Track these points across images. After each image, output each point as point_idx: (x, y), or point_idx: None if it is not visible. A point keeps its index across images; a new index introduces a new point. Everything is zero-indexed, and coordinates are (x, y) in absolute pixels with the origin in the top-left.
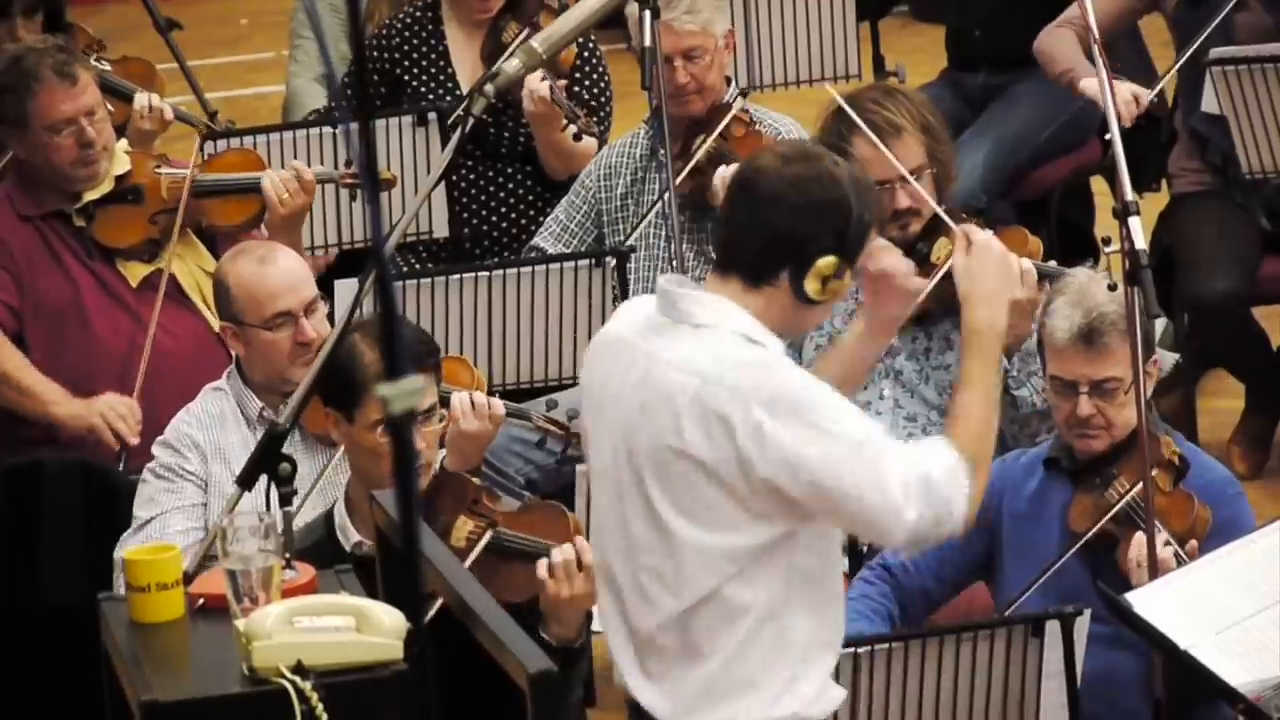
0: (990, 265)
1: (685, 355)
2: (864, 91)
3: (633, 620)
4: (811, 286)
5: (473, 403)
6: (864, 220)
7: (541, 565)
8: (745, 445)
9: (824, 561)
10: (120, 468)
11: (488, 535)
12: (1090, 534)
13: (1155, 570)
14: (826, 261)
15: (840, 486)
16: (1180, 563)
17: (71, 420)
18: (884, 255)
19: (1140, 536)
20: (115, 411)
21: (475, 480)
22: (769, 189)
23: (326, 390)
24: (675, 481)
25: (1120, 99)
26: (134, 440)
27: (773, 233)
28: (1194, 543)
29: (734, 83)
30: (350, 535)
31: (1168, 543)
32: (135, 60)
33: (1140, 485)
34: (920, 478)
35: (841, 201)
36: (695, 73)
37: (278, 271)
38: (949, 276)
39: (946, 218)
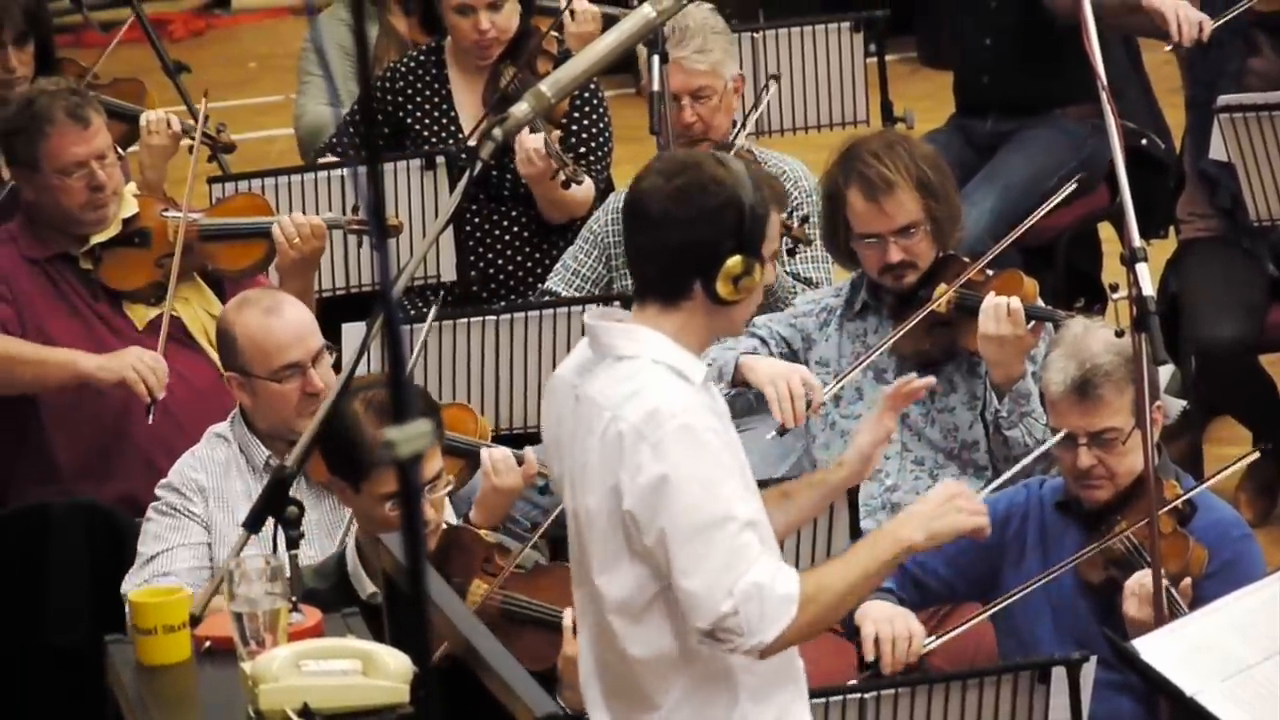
0: (939, 497)
1: (602, 387)
2: (868, 140)
3: (596, 657)
4: (724, 289)
5: (503, 461)
6: (758, 211)
7: (568, 622)
8: (624, 477)
9: None
10: (150, 420)
11: (500, 603)
12: (1087, 575)
13: (1161, 610)
14: (732, 263)
15: (684, 546)
16: (1171, 600)
17: (101, 372)
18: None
19: (1139, 574)
20: (145, 364)
21: (485, 535)
22: (658, 209)
23: (331, 459)
24: (603, 521)
25: (1186, 18)
26: (161, 394)
27: (672, 249)
28: (1187, 580)
29: (738, 124)
30: (365, 585)
31: (1166, 586)
32: (127, 81)
33: (1136, 526)
34: (758, 585)
35: (731, 200)
36: (702, 113)
37: (285, 323)
38: (948, 321)
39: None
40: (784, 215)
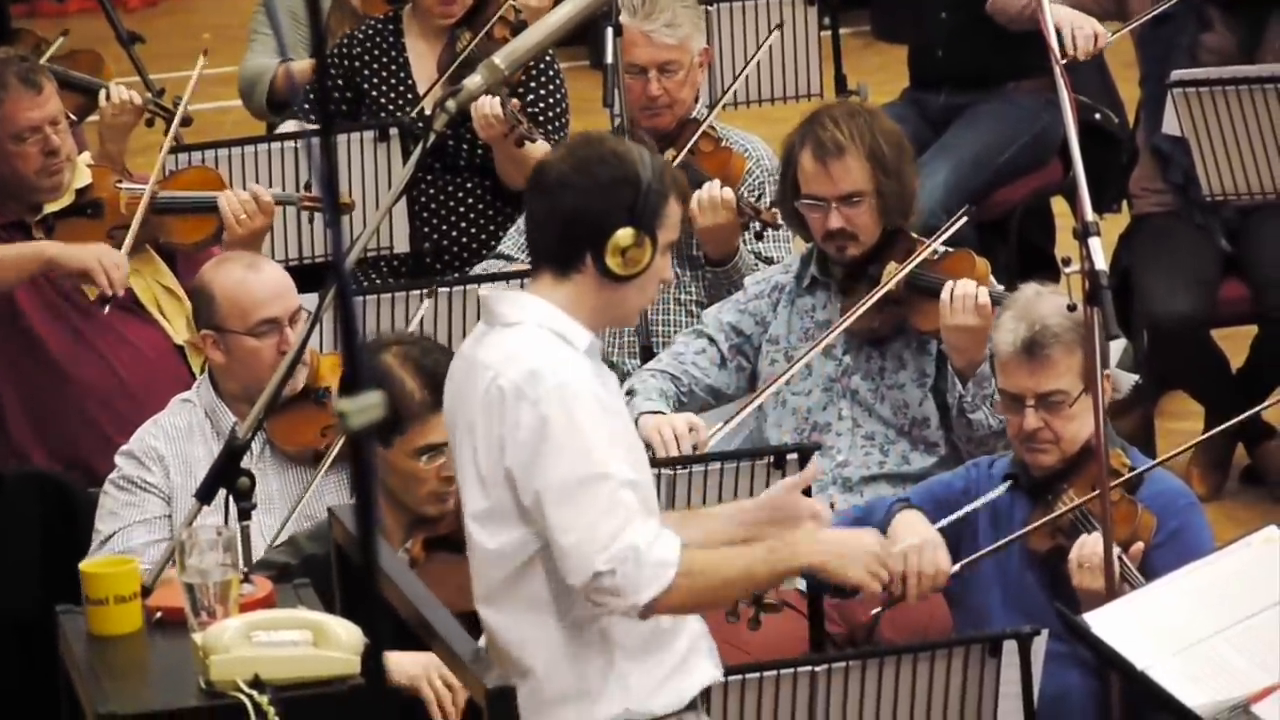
0: (858, 544)
1: (491, 352)
2: (833, 107)
3: (485, 620)
4: (613, 262)
5: None
6: (655, 189)
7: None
8: (504, 432)
9: None
10: (104, 311)
11: None
12: (1035, 546)
13: (1112, 576)
14: (622, 234)
15: (559, 502)
16: (1122, 565)
17: (66, 257)
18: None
19: (1083, 539)
20: (110, 259)
21: None
22: (556, 178)
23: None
24: (490, 478)
25: (1081, 32)
26: (120, 291)
27: (565, 218)
28: (1139, 544)
29: (701, 100)
30: None
31: (1118, 554)
32: (84, 52)
33: (1088, 498)
34: (634, 547)
35: (628, 176)
36: (669, 86)
37: (264, 280)
38: (898, 300)
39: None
40: (683, 210)
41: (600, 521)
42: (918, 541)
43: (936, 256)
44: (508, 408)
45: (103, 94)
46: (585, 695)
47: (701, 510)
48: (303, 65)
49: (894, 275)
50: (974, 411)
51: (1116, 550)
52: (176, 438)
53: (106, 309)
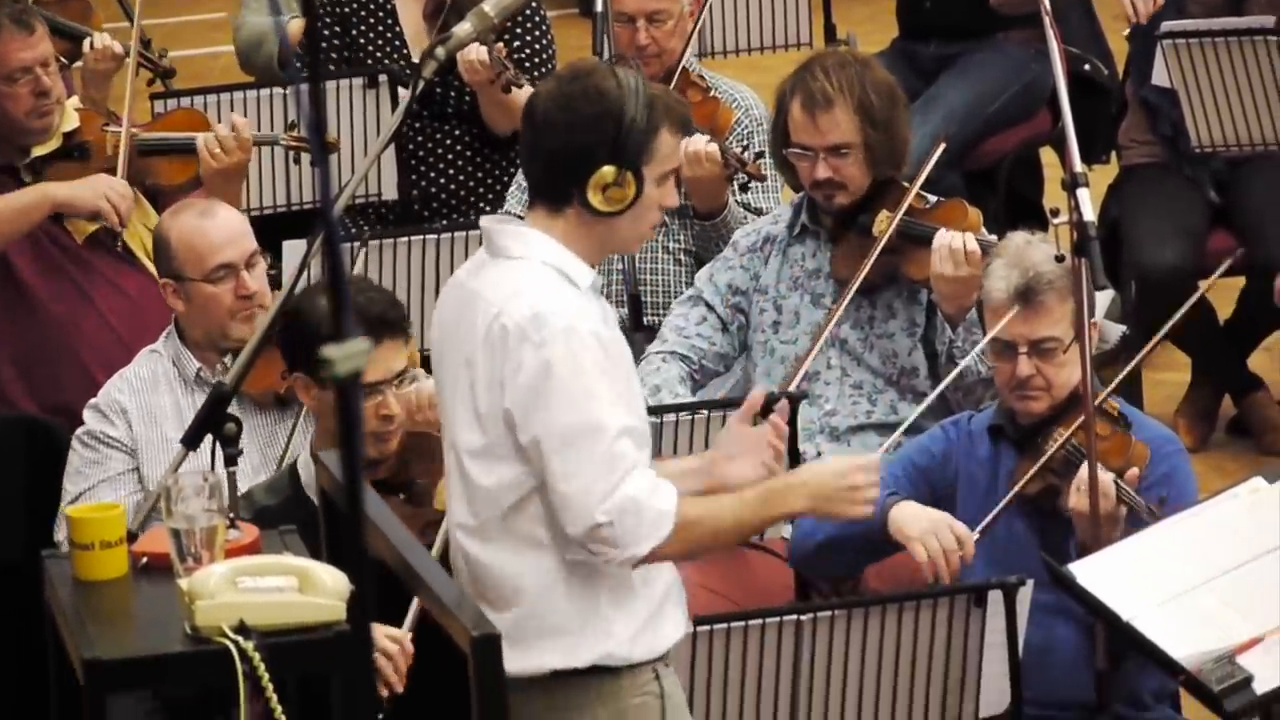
0: (837, 474)
1: (491, 283)
2: (826, 55)
3: (461, 553)
4: (595, 198)
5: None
6: (639, 123)
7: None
8: (505, 373)
9: None
10: (119, 247)
11: None
12: (1025, 488)
13: (1097, 509)
14: (604, 171)
15: (558, 450)
16: (1120, 490)
17: (73, 198)
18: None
19: (1082, 473)
20: (116, 192)
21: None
22: (542, 113)
23: (293, 354)
24: (467, 408)
25: None
26: (128, 223)
27: (549, 154)
28: (1134, 470)
29: (691, 49)
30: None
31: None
32: (73, 0)
33: (1070, 429)
34: (634, 499)
35: (610, 111)
36: (656, 35)
37: (218, 224)
38: (891, 249)
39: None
40: (684, 137)
41: (600, 471)
42: (928, 525)
43: (929, 205)
44: (510, 348)
45: (86, 41)
46: (568, 634)
47: (664, 463)
48: (299, 26)
49: (886, 225)
50: (962, 357)
51: (1113, 477)
52: (141, 389)
53: (120, 244)
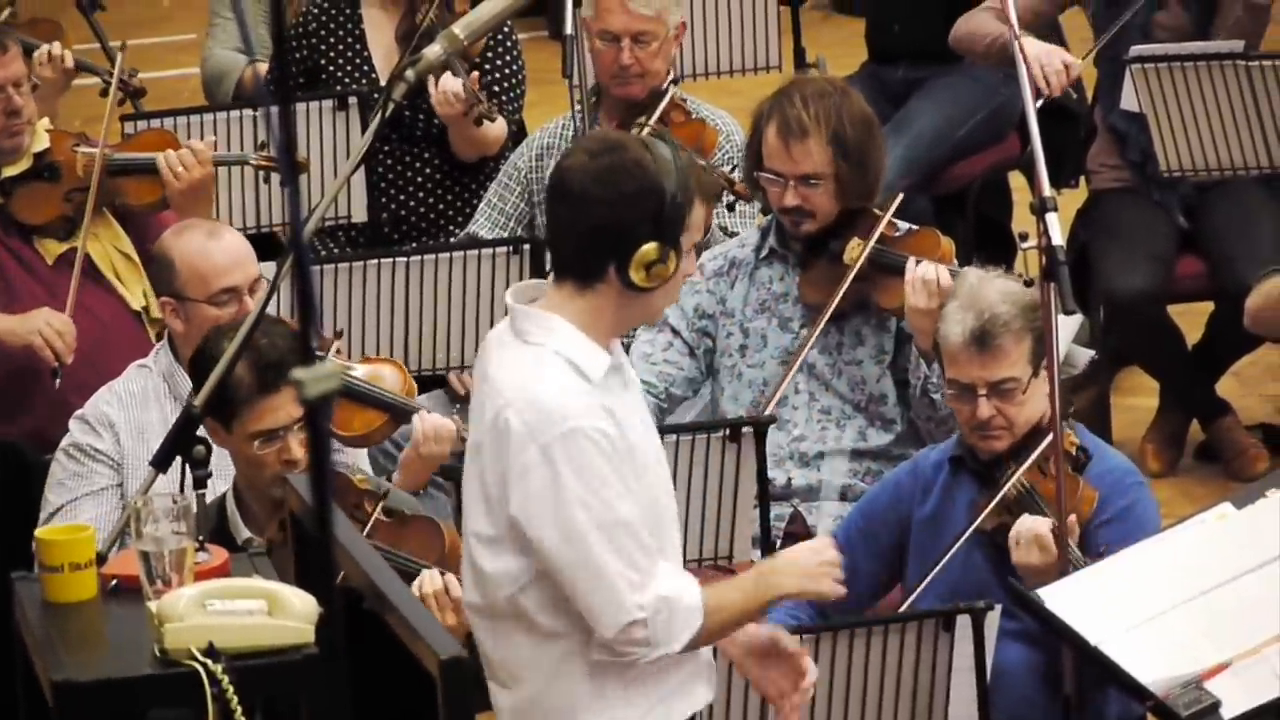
0: (811, 556)
1: (503, 373)
2: (806, 83)
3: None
4: (637, 276)
5: (435, 429)
6: (679, 200)
7: (414, 588)
8: (511, 474)
9: None
10: (56, 384)
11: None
12: (982, 524)
13: (1064, 552)
14: (647, 248)
15: (580, 559)
16: (1058, 539)
17: (7, 335)
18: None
19: (1024, 518)
20: (52, 328)
21: (358, 481)
22: (579, 187)
23: (204, 399)
24: (485, 494)
25: (1051, 68)
26: (68, 359)
27: (589, 229)
28: (1072, 518)
29: (672, 74)
30: (241, 530)
31: (1053, 526)
32: (44, 21)
33: (1023, 467)
34: (665, 599)
35: (652, 187)
36: (641, 56)
37: (224, 247)
38: (861, 277)
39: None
40: (716, 206)
41: (623, 572)
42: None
43: (900, 234)
44: (514, 448)
45: (37, 54)
46: (571, 712)
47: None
48: (253, 72)
49: (858, 253)
50: (937, 391)
51: (1051, 524)
52: (130, 404)
53: (58, 382)
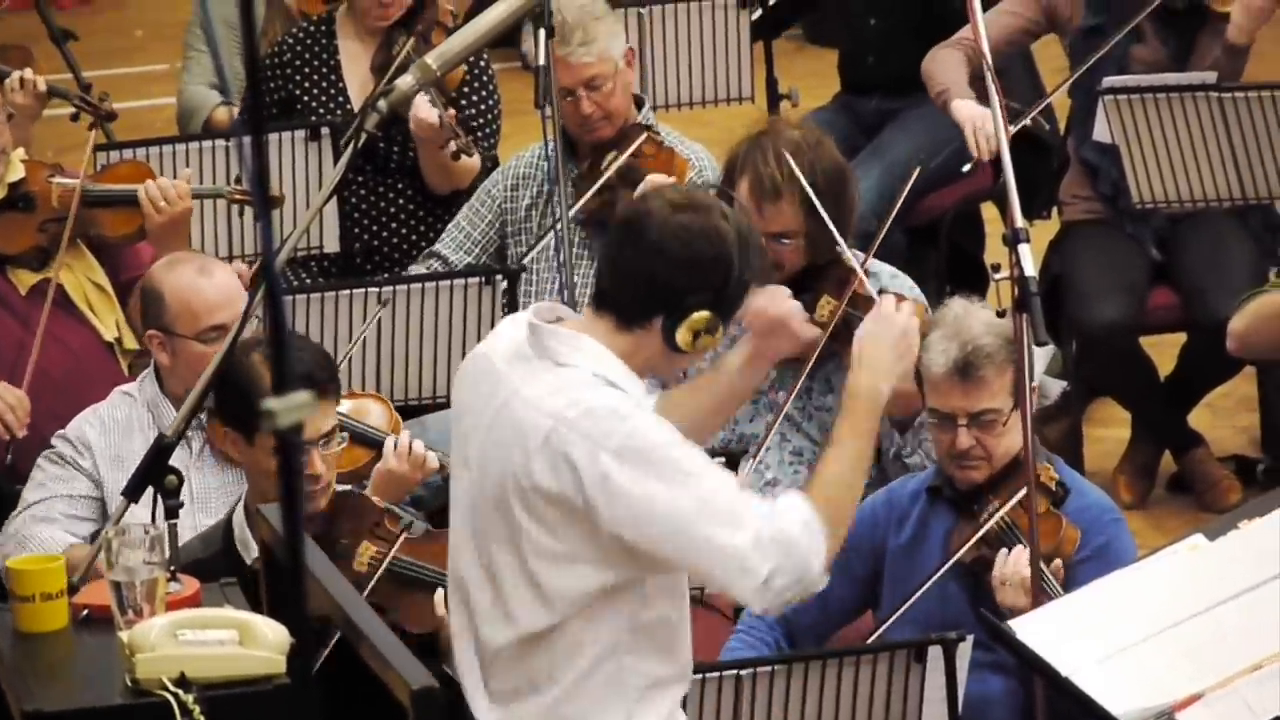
0: (891, 334)
1: (542, 394)
2: (783, 133)
3: (482, 640)
4: (683, 338)
5: (409, 449)
6: (743, 279)
7: (439, 598)
8: (592, 494)
9: (672, 605)
10: (7, 459)
11: (388, 561)
12: (960, 556)
13: (1038, 589)
14: (701, 316)
15: (688, 541)
16: (1042, 579)
17: None
18: (781, 301)
19: (1003, 554)
20: (4, 402)
21: (378, 502)
22: (654, 235)
23: (225, 409)
24: (523, 516)
25: (983, 132)
26: (21, 433)
27: (652, 280)
28: (1058, 561)
29: (644, 100)
30: (251, 550)
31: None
32: (14, 48)
33: (1008, 505)
34: (777, 533)
35: (724, 258)
36: (598, 101)
37: (215, 284)
38: (833, 335)
39: (869, 288)
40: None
41: (729, 533)
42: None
43: (870, 295)
44: (580, 461)
45: (8, 80)
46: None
47: (711, 375)
48: (225, 114)
49: (828, 314)
50: (910, 456)
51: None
52: (112, 429)
53: (9, 458)
